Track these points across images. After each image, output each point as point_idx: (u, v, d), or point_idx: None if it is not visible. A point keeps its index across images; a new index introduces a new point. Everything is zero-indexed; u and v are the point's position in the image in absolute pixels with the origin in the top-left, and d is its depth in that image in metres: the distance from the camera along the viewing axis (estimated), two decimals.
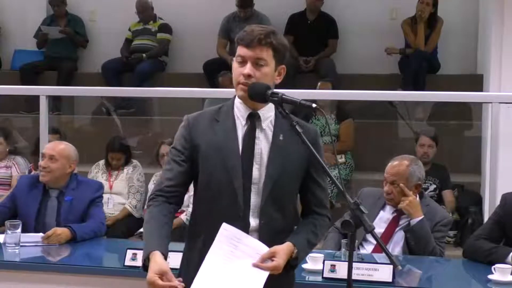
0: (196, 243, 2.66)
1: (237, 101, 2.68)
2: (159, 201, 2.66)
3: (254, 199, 2.62)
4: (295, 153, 2.66)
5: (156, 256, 2.48)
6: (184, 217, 5.57)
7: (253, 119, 2.65)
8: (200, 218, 2.69)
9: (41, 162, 4.37)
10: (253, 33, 2.59)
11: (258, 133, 2.64)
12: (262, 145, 2.64)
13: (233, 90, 2.68)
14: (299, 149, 2.64)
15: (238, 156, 2.61)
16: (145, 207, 2.73)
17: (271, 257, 2.56)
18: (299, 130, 2.54)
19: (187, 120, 2.72)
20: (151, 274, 2.45)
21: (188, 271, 2.65)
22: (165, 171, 2.72)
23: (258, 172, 2.62)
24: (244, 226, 2.58)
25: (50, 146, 4.47)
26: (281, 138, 2.65)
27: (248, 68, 2.58)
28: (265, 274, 2.54)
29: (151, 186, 5.71)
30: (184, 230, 5.50)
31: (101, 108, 7.88)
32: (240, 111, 2.67)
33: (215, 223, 2.56)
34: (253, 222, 2.62)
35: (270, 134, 2.65)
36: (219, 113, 2.69)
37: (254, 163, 2.62)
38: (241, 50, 2.60)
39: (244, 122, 2.66)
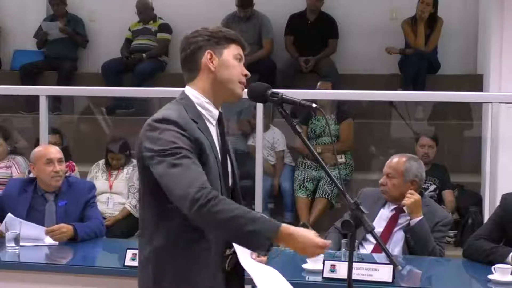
0: (199, 246, 2.47)
1: (203, 99, 2.53)
2: (219, 194, 2.33)
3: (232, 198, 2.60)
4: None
5: (291, 227, 2.33)
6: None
7: (222, 120, 2.60)
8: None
9: (54, 168, 4.30)
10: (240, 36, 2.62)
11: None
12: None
13: None
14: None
15: (219, 159, 2.54)
16: (200, 209, 2.28)
17: None
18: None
19: (179, 122, 2.40)
20: (317, 239, 2.34)
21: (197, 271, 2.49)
22: (190, 168, 2.33)
23: (230, 171, 2.61)
24: None
25: (52, 150, 4.42)
26: (226, 132, 2.65)
27: (246, 71, 2.59)
28: (270, 267, 2.63)
29: None
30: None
31: (101, 108, 7.89)
32: (209, 112, 2.54)
33: None
34: None
35: (225, 129, 2.63)
36: (190, 113, 2.49)
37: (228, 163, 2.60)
38: (239, 50, 2.58)
39: (214, 123, 2.56)
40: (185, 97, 2.55)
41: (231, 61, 2.54)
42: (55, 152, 4.39)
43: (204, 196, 2.28)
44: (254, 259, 2.59)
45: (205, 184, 2.31)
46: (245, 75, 2.57)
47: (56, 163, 4.32)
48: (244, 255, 2.52)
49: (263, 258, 2.63)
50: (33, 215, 4.25)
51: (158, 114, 2.46)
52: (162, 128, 2.40)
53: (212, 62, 2.52)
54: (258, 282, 2.48)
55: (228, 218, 2.28)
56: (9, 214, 4.06)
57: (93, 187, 4.51)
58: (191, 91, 2.55)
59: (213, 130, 2.55)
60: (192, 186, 2.29)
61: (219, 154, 2.54)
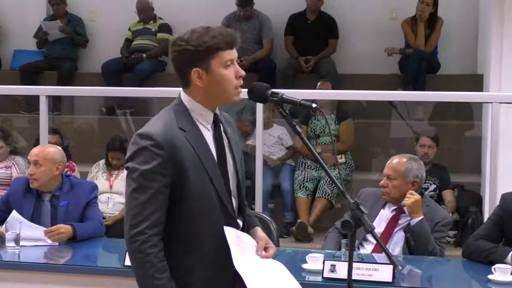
0: (193, 256, 2.49)
1: (197, 105, 2.50)
2: (158, 243, 2.41)
3: (234, 201, 2.59)
4: (238, 144, 2.67)
5: None
6: None
7: (218, 122, 2.56)
8: (192, 233, 2.49)
9: (28, 169, 4.35)
10: (230, 33, 2.49)
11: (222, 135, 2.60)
12: (226, 146, 2.59)
13: None
14: (237, 139, 2.67)
15: (215, 164, 2.51)
16: (139, 242, 2.41)
17: (265, 245, 2.62)
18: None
19: (158, 139, 2.40)
20: None
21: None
22: (149, 203, 2.39)
23: (230, 174, 2.58)
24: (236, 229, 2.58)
25: (34, 152, 4.40)
26: (229, 131, 2.62)
27: (241, 69, 2.52)
28: (278, 262, 2.62)
29: None
30: None
31: (101, 108, 7.89)
32: (202, 116, 2.51)
33: (212, 233, 2.50)
34: (240, 223, 2.62)
35: (222, 131, 2.60)
36: (179, 121, 2.47)
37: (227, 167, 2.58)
38: (229, 54, 2.46)
39: (209, 127, 2.53)
40: (179, 103, 2.53)
41: (221, 73, 2.45)
42: (34, 153, 4.35)
43: (147, 238, 2.39)
44: (259, 255, 2.58)
45: (148, 230, 2.39)
46: (240, 76, 2.50)
47: (32, 165, 4.29)
48: (238, 254, 2.49)
49: (270, 254, 2.60)
50: (35, 215, 4.27)
51: (145, 127, 2.47)
52: (140, 146, 2.42)
53: (201, 79, 2.45)
54: (249, 283, 2.45)
55: (141, 274, 2.41)
56: (13, 214, 4.06)
57: (95, 187, 4.49)
58: (185, 97, 2.53)
59: (209, 134, 2.53)
60: (138, 226, 2.39)
61: (214, 158, 2.52)
